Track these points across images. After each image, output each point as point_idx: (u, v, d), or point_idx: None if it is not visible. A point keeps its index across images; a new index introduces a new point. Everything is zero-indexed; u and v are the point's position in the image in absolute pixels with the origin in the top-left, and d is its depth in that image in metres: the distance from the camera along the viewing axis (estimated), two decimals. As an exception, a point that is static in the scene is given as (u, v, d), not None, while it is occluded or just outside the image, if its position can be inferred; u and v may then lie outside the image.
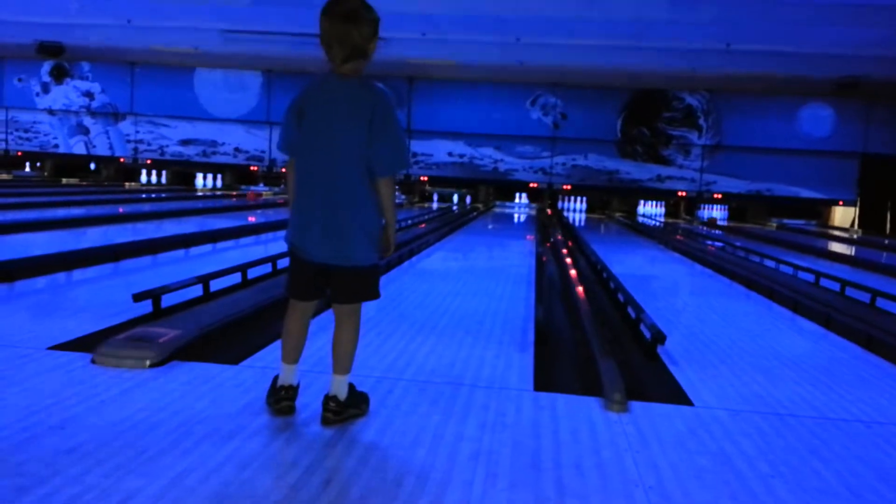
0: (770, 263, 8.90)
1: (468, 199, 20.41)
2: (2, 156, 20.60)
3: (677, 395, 3.48)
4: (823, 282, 7.19)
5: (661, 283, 7.88)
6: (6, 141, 20.52)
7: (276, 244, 8.68)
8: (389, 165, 2.73)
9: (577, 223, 15.97)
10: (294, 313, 2.90)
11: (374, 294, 2.86)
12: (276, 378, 2.95)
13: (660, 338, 4.20)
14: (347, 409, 2.85)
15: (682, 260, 9.65)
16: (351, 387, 2.90)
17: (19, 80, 20.28)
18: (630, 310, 5.22)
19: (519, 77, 18.21)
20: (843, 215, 19.23)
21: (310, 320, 2.95)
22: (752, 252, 10.07)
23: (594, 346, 4.02)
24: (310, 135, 2.73)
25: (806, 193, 18.58)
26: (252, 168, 20.04)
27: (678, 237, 12.71)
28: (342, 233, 2.71)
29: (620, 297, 5.75)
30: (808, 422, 3.19)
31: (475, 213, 16.25)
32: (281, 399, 2.87)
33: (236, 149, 19.90)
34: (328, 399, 2.83)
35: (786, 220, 19.84)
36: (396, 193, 20.08)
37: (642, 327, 4.68)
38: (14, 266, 5.51)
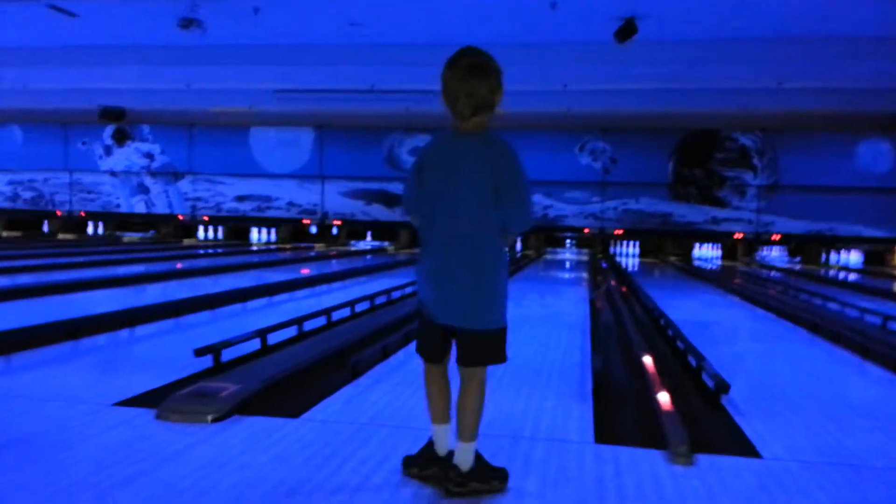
0: (834, 306, 8.64)
1: (518, 247, 20.37)
2: (66, 216, 21.37)
3: (744, 447, 3.38)
4: (892, 325, 6.95)
5: (720, 329, 7.71)
6: (70, 202, 21.31)
7: (329, 296, 8.78)
8: (519, 225, 2.65)
9: (630, 268, 15.78)
10: (429, 376, 2.80)
11: (500, 357, 2.70)
12: (429, 442, 2.86)
13: (723, 387, 4.10)
14: (471, 482, 2.67)
15: (742, 304, 9.44)
16: (479, 458, 2.73)
17: (83, 143, 21.11)
18: (691, 358, 5.11)
19: (566, 123, 18.29)
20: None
21: (447, 376, 2.82)
22: (814, 294, 9.80)
23: (655, 396, 3.94)
24: (431, 193, 2.64)
25: (868, 232, 18.04)
26: (305, 221, 20.39)
27: (737, 280, 12.45)
28: (467, 295, 2.61)
29: (680, 344, 5.64)
30: (883, 473, 3.06)
31: (526, 261, 16.20)
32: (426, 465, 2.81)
33: (290, 203, 20.31)
34: (449, 468, 2.69)
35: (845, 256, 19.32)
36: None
37: (704, 376, 4.57)
38: (79, 323, 5.67)
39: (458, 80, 2.54)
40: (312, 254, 17.42)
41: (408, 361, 5.11)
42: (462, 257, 2.60)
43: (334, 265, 14.03)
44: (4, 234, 21.15)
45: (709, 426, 3.73)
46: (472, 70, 2.54)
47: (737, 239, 18.65)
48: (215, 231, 21.58)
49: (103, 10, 10.66)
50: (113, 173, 21.06)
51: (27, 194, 21.44)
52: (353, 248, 19.63)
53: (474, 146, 2.60)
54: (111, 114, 19.77)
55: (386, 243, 20.67)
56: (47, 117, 20.39)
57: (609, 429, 3.57)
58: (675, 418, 3.47)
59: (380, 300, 7.70)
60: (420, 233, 2.72)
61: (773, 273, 15.74)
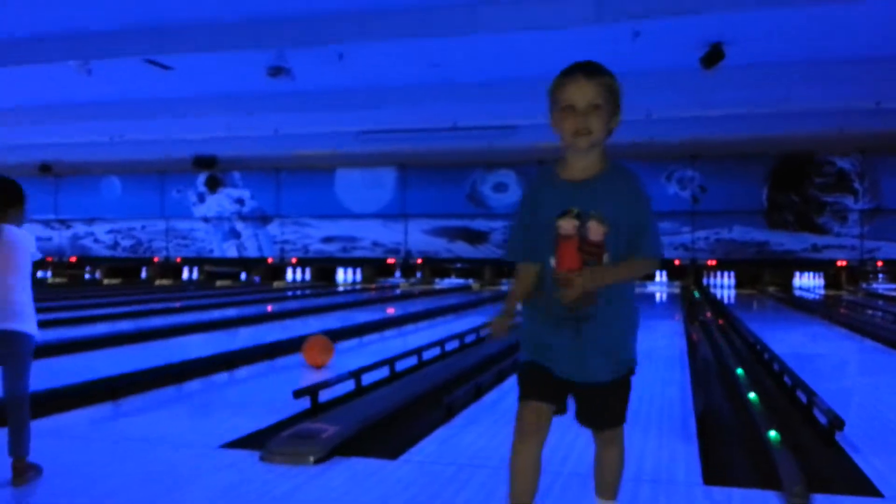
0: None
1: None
2: (163, 262, 22.26)
3: (864, 486, 3.19)
4: None
5: (827, 362, 7.34)
6: (167, 248, 22.21)
7: (416, 335, 8.80)
8: None
9: (726, 300, 15.28)
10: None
11: None
12: None
13: (838, 423, 3.89)
14: None
15: (849, 336, 8.98)
16: None
17: (178, 191, 22.05)
18: (800, 393, 4.88)
19: (651, 152, 17.93)
20: None
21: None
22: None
23: (765, 433, 3.76)
24: None
25: (979, 255, 16.97)
26: (389, 261, 20.61)
27: (843, 310, 11.87)
28: None
29: (787, 379, 5.39)
30: None
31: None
32: None
33: (374, 243, 20.60)
34: None
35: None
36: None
37: (816, 412, 4.35)
38: (182, 368, 5.84)
39: None
40: (397, 293, 17.58)
41: (501, 400, 5.04)
42: None
43: (419, 304, 14.11)
44: (105, 281, 22.15)
45: (823, 465, 3.53)
46: None
47: (840, 267, 17.78)
48: (303, 272, 22.06)
49: (196, 62, 11.15)
50: (206, 219, 21.86)
51: (126, 242, 22.46)
52: (437, 287, 19.69)
53: None
54: (204, 162, 20.61)
55: (470, 280, 20.66)
56: (144, 167, 21.41)
57: (717, 468, 3.42)
58: (789, 457, 3.30)
59: (469, 338, 7.67)
60: None
61: (880, 302, 14.95)
